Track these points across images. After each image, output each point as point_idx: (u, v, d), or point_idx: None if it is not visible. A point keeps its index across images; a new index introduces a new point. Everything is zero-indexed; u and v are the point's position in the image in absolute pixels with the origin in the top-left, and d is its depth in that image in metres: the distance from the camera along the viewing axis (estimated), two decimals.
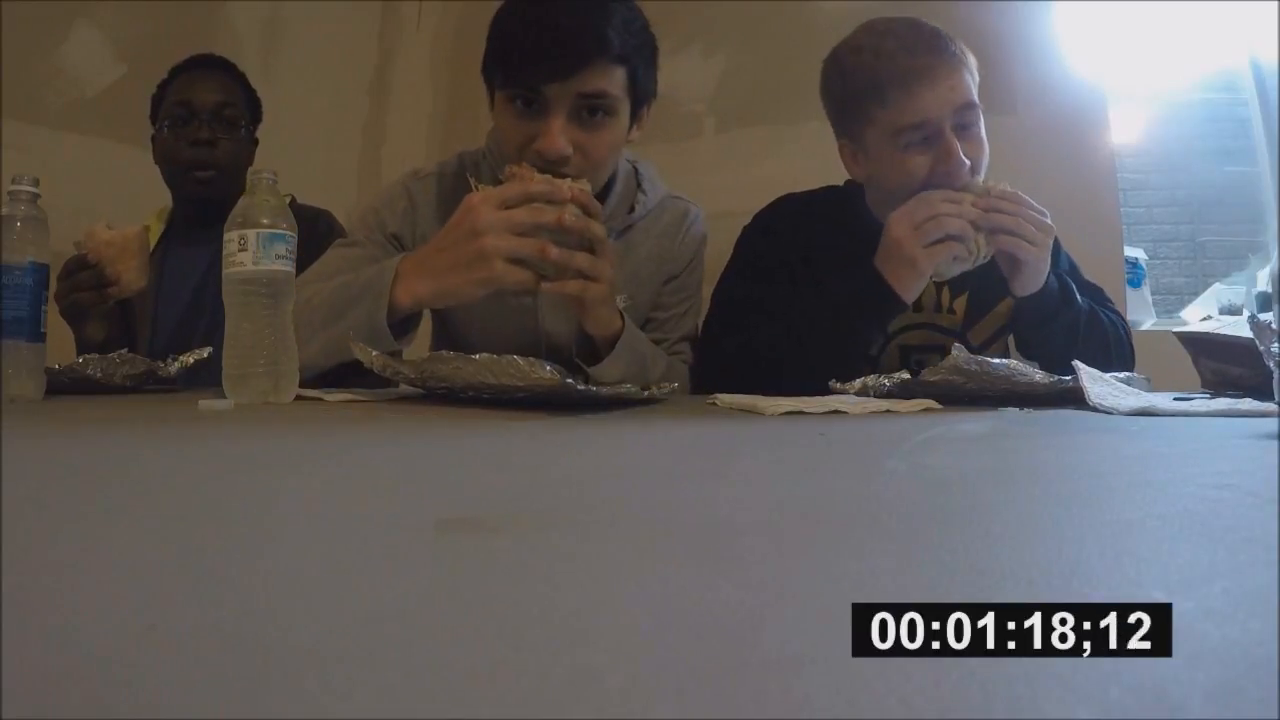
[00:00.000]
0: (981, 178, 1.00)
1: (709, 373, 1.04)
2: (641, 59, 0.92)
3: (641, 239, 1.06)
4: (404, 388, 0.86)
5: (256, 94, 1.43)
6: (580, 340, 0.96)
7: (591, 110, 0.90)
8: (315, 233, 1.26)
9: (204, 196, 1.31)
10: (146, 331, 1.33)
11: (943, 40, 0.96)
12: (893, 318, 1.01)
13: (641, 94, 0.94)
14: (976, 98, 0.98)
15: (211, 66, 1.39)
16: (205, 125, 1.32)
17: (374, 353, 0.76)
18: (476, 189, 0.85)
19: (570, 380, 0.66)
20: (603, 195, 1.01)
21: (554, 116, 0.88)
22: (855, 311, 0.98)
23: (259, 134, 1.43)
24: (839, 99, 1.04)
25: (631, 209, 1.05)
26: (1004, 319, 1.11)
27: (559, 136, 0.88)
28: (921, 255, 0.93)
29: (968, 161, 0.95)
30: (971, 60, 0.98)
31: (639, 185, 1.07)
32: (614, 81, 0.89)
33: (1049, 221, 0.96)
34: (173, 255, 1.38)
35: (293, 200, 1.46)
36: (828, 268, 1.05)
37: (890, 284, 0.95)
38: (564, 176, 0.88)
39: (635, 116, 0.95)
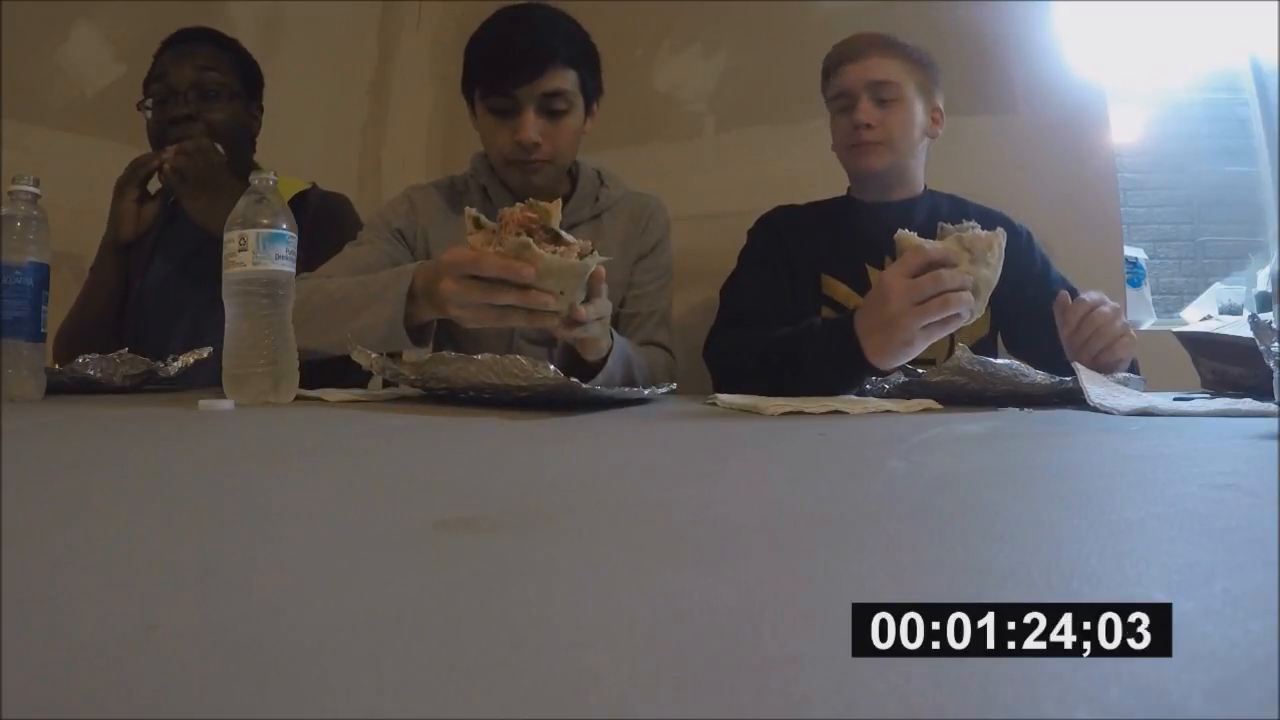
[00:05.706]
0: (928, 146, 1.23)
1: (710, 361, 1.18)
2: (586, 64, 1.18)
3: (610, 224, 1.26)
4: (404, 388, 0.87)
5: (253, 60, 1.40)
6: (568, 359, 1.01)
7: (554, 105, 1.14)
8: (328, 209, 1.34)
9: None
10: (138, 283, 1.32)
11: (885, 38, 1.22)
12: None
13: (590, 92, 1.20)
14: (898, 80, 1.20)
15: (195, 39, 1.35)
16: (183, 100, 1.30)
17: (373, 355, 0.77)
18: (473, 220, 0.82)
19: (574, 380, 0.67)
20: (569, 192, 1.24)
21: (525, 113, 1.13)
22: (834, 376, 0.95)
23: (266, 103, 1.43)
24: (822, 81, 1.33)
25: (597, 199, 1.26)
26: (985, 327, 1.24)
27: (530, 128, 1.13)
28: (919, 337, 0.88)
29: (868, 122, 1.19)
30: (925, 61, 1.23)
31: (602, 182, 1.28)
32: (568, 80, 1.14)
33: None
34: (178, 220, 1.36)
35: (314, 186, 1.45)
36: (827, 264, 1.25)
37: (871, 360, 0.91)
38: (535, 162, 1.14)
39: (589, 111, 1.21)
